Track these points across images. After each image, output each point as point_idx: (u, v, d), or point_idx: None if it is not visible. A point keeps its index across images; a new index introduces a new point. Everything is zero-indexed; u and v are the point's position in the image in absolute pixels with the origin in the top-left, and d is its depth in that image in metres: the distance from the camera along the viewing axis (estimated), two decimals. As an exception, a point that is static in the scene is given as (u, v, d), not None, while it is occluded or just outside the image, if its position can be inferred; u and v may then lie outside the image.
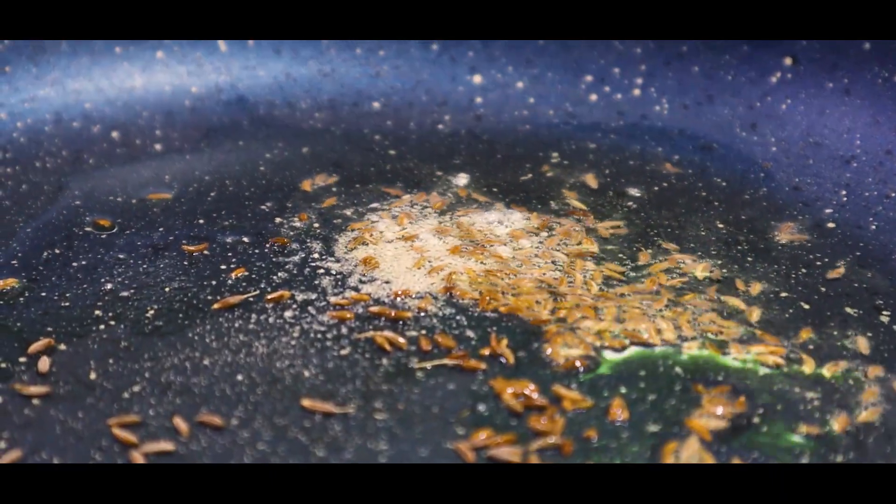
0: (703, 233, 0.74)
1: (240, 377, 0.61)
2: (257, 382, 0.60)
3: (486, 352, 0.62)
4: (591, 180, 0.79)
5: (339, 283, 0.68)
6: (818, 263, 0.71)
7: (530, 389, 0.60)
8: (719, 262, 0.71)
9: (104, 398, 0.59)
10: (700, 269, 0.69)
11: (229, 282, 0.68)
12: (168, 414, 0.58)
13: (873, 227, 0.75)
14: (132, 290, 0.67)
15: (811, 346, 0.64)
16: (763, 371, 0.61)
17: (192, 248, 0.71)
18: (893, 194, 0.76)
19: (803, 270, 0.70)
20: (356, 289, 0.68)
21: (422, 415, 0.59)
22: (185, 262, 0.70)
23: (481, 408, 0.59)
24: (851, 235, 0.74)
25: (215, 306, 0.66)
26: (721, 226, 0.75)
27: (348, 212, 0.76)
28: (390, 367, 0.62)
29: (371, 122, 0.88)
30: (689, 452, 0.55)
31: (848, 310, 0.67)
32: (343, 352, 0.63)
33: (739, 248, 0.73)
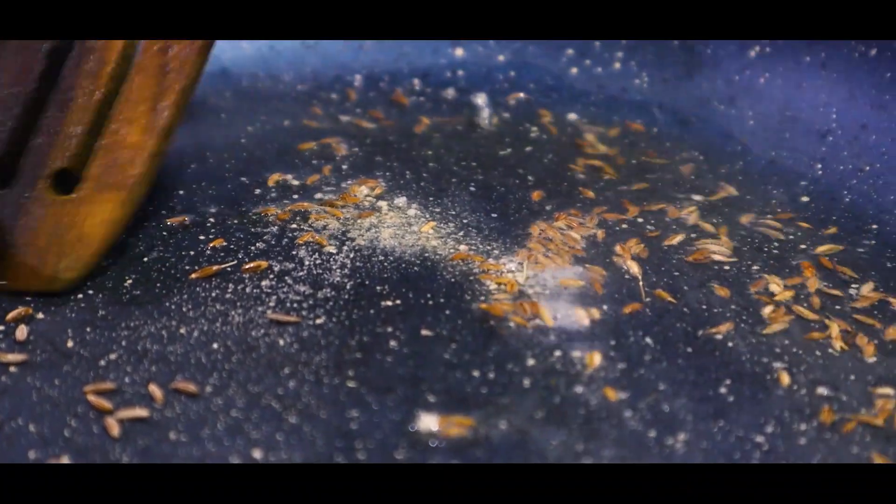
0: (677, 207, 0.74)
1: (215, 345, 0.62)
2: (232, 351, 0.61)
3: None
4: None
5: (316, 252, 0.69)
6: (791, 238, 0.72)
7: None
8: (693, 236, 0.71)
9: (80, 366, 0.60)
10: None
11: (207, 252, 0.69)
12: (143, 381, 0.59)
13: (847, 199, 0.75)
14: (110, 260, 0.68)
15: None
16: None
17: (172, 219, 0.72)
18: (868, 168, 0.77)
19: (775, 244, 0.71)
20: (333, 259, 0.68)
21: (394, 383, 0.59)
22: (164, 233, 0.71)
23: (457, 375, 0.60)
24: (825, 209, 0.75)
25: (193, 276, 0.67)
26: (698, 198, 0.75)
27: (330, 183, 0.76)
28: (365, 335, 0.63)
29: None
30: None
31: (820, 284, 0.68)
32: (318, 321, 0.64)
33: (714, 221, 0.73)
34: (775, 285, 0.67)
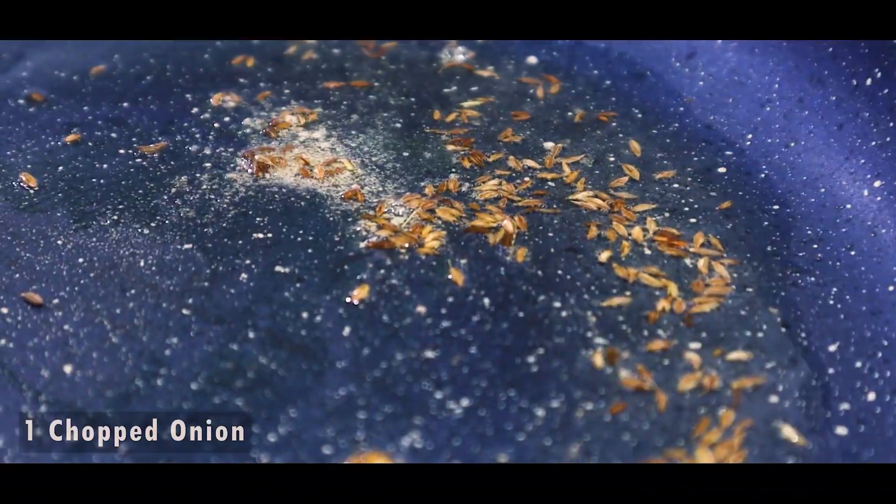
0: (584, 160, 0.75)
1: (81, 260, 0.66)
2: (95, 266, 0.66)
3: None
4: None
5: (223, 182, 0.73)
6: (686, 209, 0.71)
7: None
8: (589, 189, 0.72)
9: (-49, 264, 0.66)
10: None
11: (129, 162, 0.73)
12: (3, 287, 0.64)
13: (762, 175, 0.74)
14: (29, 165, 0.73)
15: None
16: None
17: (149, 148, 0.75)
18: (793, 144, 0.75)
19: (666, 214, 0.71)
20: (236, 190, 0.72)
21: (219, 315, 0.63)
22: (91, 143, 0.76)
23: (286, 314, 0.63)
24: (737, 183, 0.74)
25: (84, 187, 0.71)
26: (612, 158, 0.75)
27: (269, 110, 0.80)
28: (221, 265, 0.66)
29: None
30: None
31: (688, 262, 0.67)
32: (185, 245, 0.68)
33: (619, 178, 0.73)
34: (637, 259, 0.67)
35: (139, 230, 0.69)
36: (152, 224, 0.69)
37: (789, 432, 0.57)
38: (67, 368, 0.60)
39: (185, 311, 0.63)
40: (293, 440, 0.57)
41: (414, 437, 0.57)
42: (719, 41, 0.81)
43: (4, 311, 0.63)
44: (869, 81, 0.73)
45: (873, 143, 0.72)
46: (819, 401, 0.59)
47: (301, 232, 0.69)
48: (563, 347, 0.62)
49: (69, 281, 0.65)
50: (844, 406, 0.59)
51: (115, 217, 0.69)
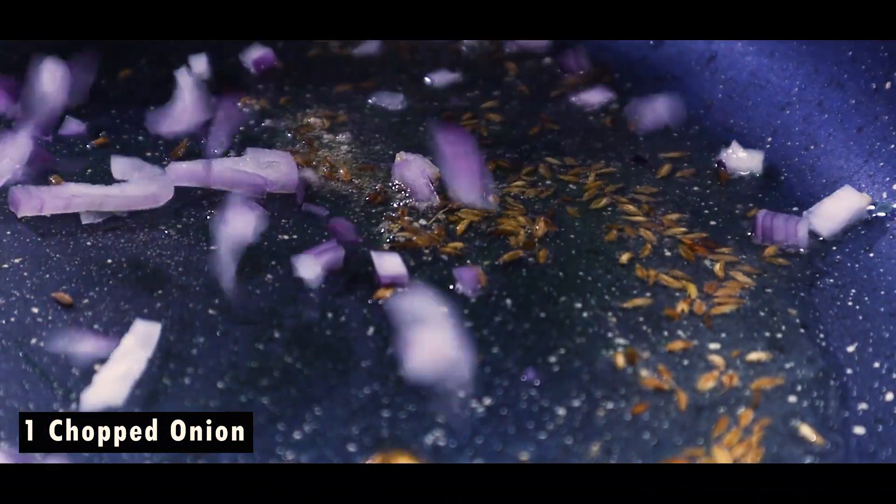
0: (603, 163, 0.76)
1: (109, 261, 0.68)
2: (123, 268, 0.67)
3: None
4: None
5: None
6: (706, 212, 0.72)
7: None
8: (611, 190, 0.73)
9: (-18, 267, 0.67)
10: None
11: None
12: (34, 288, 0.66)
13: (782, 178, 0.75)
14: (58, 172, 0.74)
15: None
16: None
17: (175, 150, 0.77)
18: (812, 147, 0.76)
19: (686, 216, 0.72)
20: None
21: (245, 315, 0.64)
22: (118, 146, 0.77)
23: (311, 314, 0.64)
24: (756, 186, 0.74)
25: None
26: (631, 162, 0.76)
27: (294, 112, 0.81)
28: (246, 267, 0.67)
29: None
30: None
31: (707, 263, 0.68)
32: (211, 247, 0.69)
33: (640, 181, 0.74)
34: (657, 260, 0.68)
35: (166, 231, 0.70)
36: (178, 226, 0.70)
37: (807, 432, 0.58)
38: (97, 367, 0.61)
39: (211, 312, 0.64)
40: (318, 438, 0.58)
41: (437, 434, 0.58)
42: (739, 44, 0.82)
43: (35, 310, 0.64)
44: (888, 85, 0.74)
45: (892, 146, 0.72)
46: (837, 401, 0.60)
47: (326, 233, 0.70)
48: (584, 348, 0.63)
49: (98, 281, 0.66)
50: (863, 406, 0.60)
51: (143, 219, 0.71)
